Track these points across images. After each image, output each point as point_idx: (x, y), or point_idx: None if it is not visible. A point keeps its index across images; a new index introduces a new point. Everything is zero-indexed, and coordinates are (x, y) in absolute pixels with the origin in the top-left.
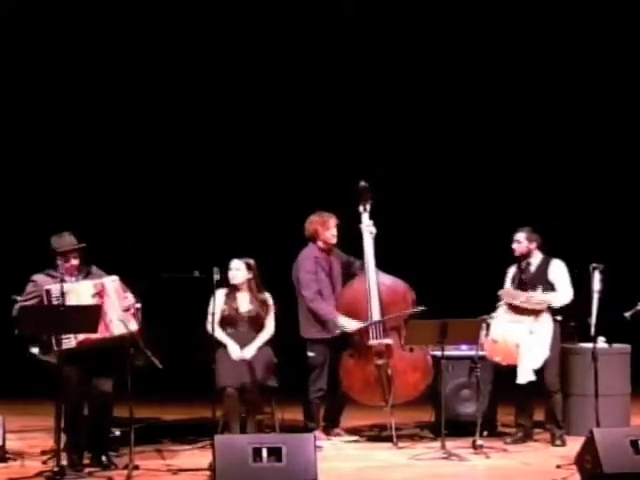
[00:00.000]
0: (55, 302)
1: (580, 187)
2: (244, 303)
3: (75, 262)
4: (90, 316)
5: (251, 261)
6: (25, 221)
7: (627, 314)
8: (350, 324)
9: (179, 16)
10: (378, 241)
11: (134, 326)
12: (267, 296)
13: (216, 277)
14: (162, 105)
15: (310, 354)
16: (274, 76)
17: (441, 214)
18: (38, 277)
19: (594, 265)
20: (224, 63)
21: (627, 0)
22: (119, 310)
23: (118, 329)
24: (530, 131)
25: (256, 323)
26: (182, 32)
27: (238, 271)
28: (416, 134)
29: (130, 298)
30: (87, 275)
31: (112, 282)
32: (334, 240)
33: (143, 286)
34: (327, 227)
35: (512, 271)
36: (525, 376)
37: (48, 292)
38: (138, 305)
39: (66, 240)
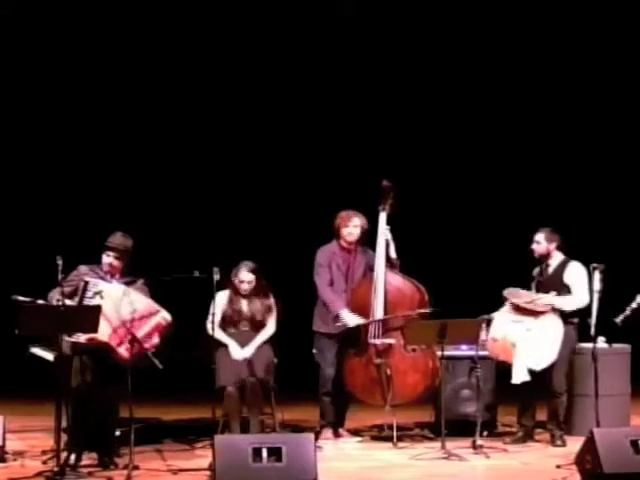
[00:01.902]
0: (88, 295)
1: (580, 187)
2: (246, 304)
3: (114, 262)
4: (90, 316)
5: (254, 265)
6: (25, 221)
7: (618, 319)
8: (351, 319)
9: (181, 17)
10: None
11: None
12: (272, 302)
13: (216, 277)
14: (164, 103)
15: (314, 351)
16: (279, 78)
17: (439, 214)
18: (83, 267)
19: (594, 265)
20: (234, 67)
21: (627, 0)
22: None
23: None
24: (530, 133)
25: (258, 323)
26: (184, 34)
27: (250, 284)
28: (415, 135)
29: (150, 343)
30: (129, 284)
31: (163, 319)
32: (350, 238)
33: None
34: (346, 224)
35: (536, 273)
36: (519, 376)
37: (86, 283)
38: (147, 350)
39: (115, 238)
